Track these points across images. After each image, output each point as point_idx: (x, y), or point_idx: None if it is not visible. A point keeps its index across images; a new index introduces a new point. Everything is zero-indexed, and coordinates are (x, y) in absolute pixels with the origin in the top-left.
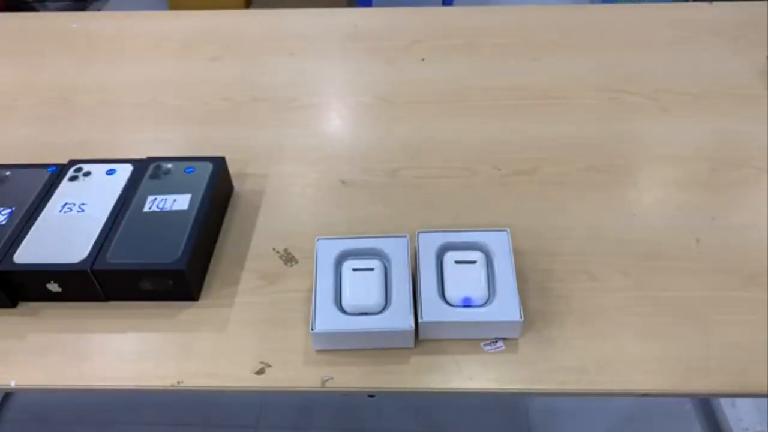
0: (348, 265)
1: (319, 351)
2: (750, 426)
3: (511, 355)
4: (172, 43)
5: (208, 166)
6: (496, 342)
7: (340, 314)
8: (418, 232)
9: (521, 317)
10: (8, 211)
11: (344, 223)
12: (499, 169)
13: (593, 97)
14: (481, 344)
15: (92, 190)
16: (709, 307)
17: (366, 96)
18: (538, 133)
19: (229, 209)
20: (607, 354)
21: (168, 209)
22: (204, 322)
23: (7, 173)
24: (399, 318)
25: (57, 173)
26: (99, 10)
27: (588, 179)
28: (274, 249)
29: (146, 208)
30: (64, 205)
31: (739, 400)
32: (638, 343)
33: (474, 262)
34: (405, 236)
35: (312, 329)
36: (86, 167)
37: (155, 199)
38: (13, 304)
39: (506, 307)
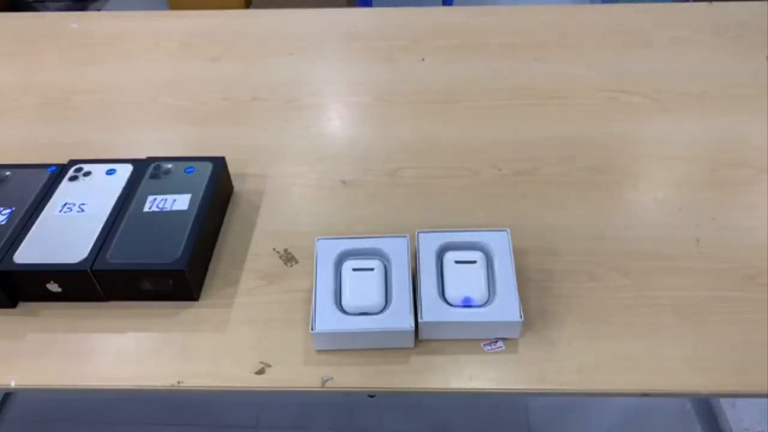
0: (348, 265)
1: (319, 351)
2: (750, 426)
3: (511, 355)
4: (172, 43)
5: (208, 166)
6: (496, 342)
7: (340, 314)
8: (418, 232)
9: (521, 317)
10: (8, 211)
11: (344, 223)
12: (499, 169)
13: (593, 97)
14: (481, 344)
15: (92, 190)
16: (709, 307)
17: (366, 96)
18: (538, 133)
19: (229, 209)
20: (607, 354)
21: (168, 209)
22: (204, 322)
23: (7, 173)
24: (399, 318)
25: (57, 173)
26: (99, 10)
27: (588, 179)
28: (274, 249)
29: (146, 208)
30: (64, 205)
31: (739, 400)
32: (638, 343)
33: (474, 262)
34: (405, 236)
35: (312, 329)
36: (86, 167)
37: (155, 199)
38: (13, 304)
39: (506, 307)
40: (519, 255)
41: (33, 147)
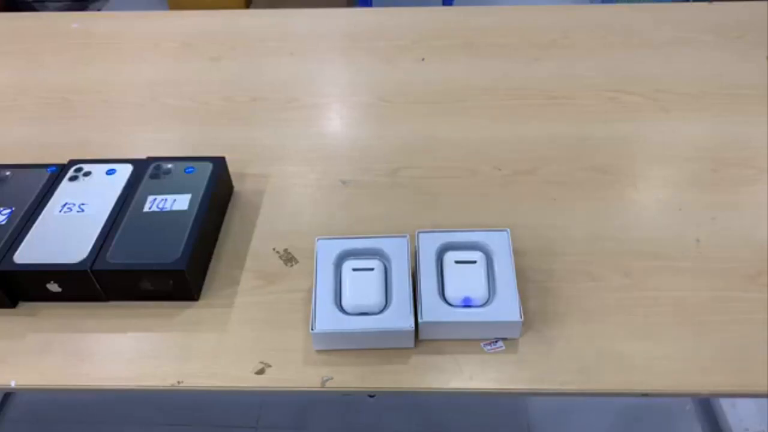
0: (348, 265)
1: (319, 351)
2: (750, 426)
3: (511, 355)
4: (172, 43)
5: (208, 166)
6: (496, 342)
7: (340, 314)
8: (418, 232)
9: (521, 317)
10: (8, 211)
11: (344, 223)
12: (500, 169)
13: (593, 97)
14: (481, 344)
15: (92, 190)
16: (709, 307)
17: (366, 96)
18: (539, 133)
19: (229, 209)
20: (607, 354)
21: (168, 209)
22: (204, 322)
23: (7, 173)
24: (399, 318)
25: (57, 173)
26: (99, 10)
27: (588, 179)
28: (274, 249)
29: (146, 208)
30: (64, 205)
31: (739, 400)
32: (638, 343)
33: (474, 262)
34: (405, 236)
35: (312, 329)
36: (86, 167)
37: (155, 199)
38: (13, 304)
39: (506, 307)
40: (519, 255)
41: (33, 147)
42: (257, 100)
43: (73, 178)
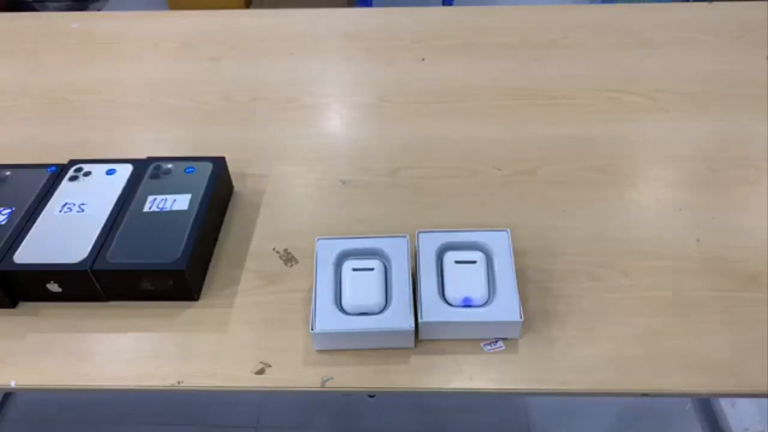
0: (348, 265)
1: (319, 351)
2: (750, 426)
3: (511, 355)
4: (172, 43)
5: (208, 166)
6: (496, 342)
7: (340, 314)
8: (418, 232)
9: (521, 317)
10: (8, 211)
11: (344, 223)
12: (499, 169)
13: (593, 97)
14: (481, 344)
15: (92, 190)
16: (709, 307)
17: (366, 96)
18: (538, 133)
19: (229, 209)
20: (607, 354)
21: (168, 209)
22: (204, 322)
23: (7, 173)
24: (399, 318)
25: (57, 173)
26: (99, 10)
27: (588, 179)
28: (274, 249)
29: (146, 208)
30: (64, 205)
31: (739, 400)
32: (638, 343)
33: (474, 262)
34: (405, 236)
35: (312, 329)
36: (86, 167)
37: (155, 199)
38: (13, 304)
39: (506, 307)
40: (519, 255)
41: (33, 147)
42: (257, 100)
43: (73, 178)
